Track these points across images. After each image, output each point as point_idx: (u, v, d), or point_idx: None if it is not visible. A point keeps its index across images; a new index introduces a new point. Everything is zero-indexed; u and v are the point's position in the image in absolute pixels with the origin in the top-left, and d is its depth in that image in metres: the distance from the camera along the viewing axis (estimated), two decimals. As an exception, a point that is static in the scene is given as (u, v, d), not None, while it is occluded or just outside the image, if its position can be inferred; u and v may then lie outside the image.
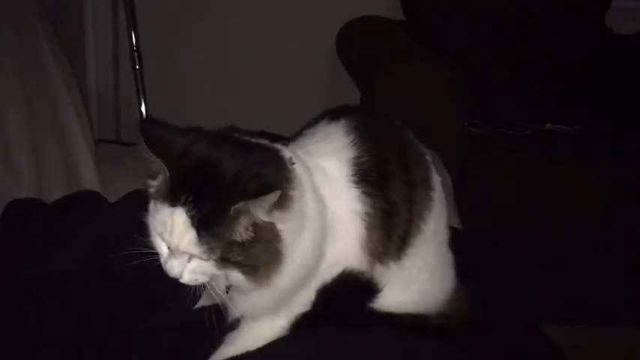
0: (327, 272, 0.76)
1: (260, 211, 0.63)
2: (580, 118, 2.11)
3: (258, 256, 0.66)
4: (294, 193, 0.68)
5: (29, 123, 1.18)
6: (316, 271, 0.74)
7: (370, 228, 0.75)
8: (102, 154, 1.38)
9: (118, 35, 2.19)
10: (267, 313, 0.76)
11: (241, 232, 0.64)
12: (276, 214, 0.65)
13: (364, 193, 0.75)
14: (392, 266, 0.78)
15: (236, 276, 0.67)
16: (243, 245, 0.64)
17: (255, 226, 0.65)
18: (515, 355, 0.80)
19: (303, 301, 0.76)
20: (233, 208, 0.62)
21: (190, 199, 0.63)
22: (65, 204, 1.07)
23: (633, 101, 2.11)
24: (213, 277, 0.69)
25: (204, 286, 0.69)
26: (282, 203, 0.65)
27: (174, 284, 0.68)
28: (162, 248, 0.67)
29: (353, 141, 0.77)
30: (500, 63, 2.09)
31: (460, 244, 0.90)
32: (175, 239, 0.64)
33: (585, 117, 2.11)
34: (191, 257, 0.66)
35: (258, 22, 2.28)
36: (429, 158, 0.84)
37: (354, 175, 0.75)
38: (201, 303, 0.85)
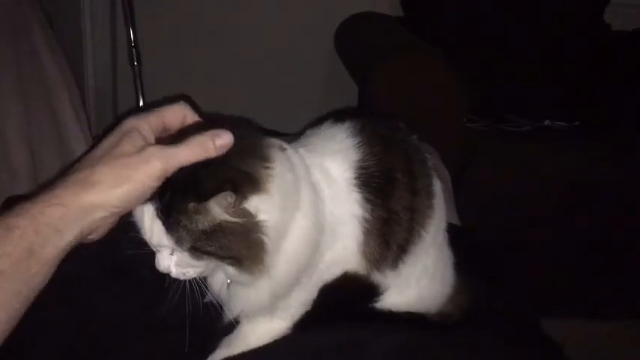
0: (326, 272, 0.74)
1: (218, 209, 0.62)
2: (578, 115, 2.11)
3: (234, 247, 0.64)
4: (273, 172, 0.65)
5: (26, 119, 1.18)
6: (313, 267, 0.72)
7: (367, 234, 0.73)
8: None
9: (116, 31, 2.19)
10: (264, 311, 0.74)
11: (203, 222, 0.63)
12: (254, 198, 0.64)
13: (365, 198, 0.73)
14: (389, 274, 0.77)
15: (228, 269, 0.67)
16: (207, 234, 0.63)
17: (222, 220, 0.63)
18: (514, 350, 0.80)
19: (301, 301, 0.75)
20: (190, 204, 0.62)
21: (157, 192, 0.63)
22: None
23: (631, 98, 2.11)
24: (208, 271, 0.69)
25: (196, 281, 0.69)
26: (257, 185, 0.64)
27: (170, 282, 0.68)
28: (151, 245, 0.68)
29: (359, 143, 0.75)
30: (498, 58, 2.09)
31: (459, 241, 0.90)
32: (148, 233, 0.65)
33: (584, 113, 2.11)
34: (173, 250, 0.65)
35: (256, 20, 2.28)
36: (430, 164, 0.81)
37: (357, 178, 0.73)
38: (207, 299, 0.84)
